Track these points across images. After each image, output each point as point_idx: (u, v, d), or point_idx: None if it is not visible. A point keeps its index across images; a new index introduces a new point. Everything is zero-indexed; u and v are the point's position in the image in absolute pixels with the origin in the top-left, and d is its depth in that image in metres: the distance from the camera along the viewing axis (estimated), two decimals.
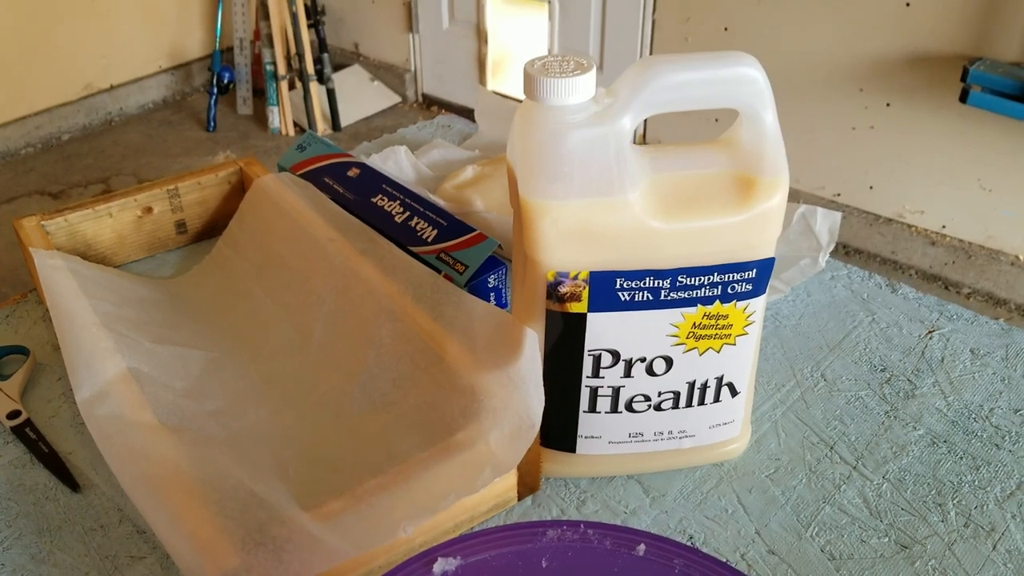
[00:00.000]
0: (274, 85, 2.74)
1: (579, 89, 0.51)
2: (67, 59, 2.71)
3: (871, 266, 2.09)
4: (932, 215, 2.00)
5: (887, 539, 0.59)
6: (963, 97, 1.76)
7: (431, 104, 2.96)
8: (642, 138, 2.44)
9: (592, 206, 0.53)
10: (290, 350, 0.71)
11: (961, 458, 0.65)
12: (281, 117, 2.78)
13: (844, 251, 2.12)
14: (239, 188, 0.89)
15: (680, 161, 0.56)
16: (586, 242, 0.54)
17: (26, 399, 0.70)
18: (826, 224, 0.83)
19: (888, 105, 1.97)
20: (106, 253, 0.83)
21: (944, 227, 1.99)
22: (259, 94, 2.89)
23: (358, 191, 0.85)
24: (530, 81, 0.51)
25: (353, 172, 0.88)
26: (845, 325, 0.78)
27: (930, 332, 0.77)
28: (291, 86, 2.79)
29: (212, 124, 2.82)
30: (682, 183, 0.55)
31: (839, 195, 2.11)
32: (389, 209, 0.83)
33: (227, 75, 2.85)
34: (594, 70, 0.52)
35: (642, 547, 0.42)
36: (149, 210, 0.85)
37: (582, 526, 0.43)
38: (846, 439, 0.67)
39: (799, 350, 0.75)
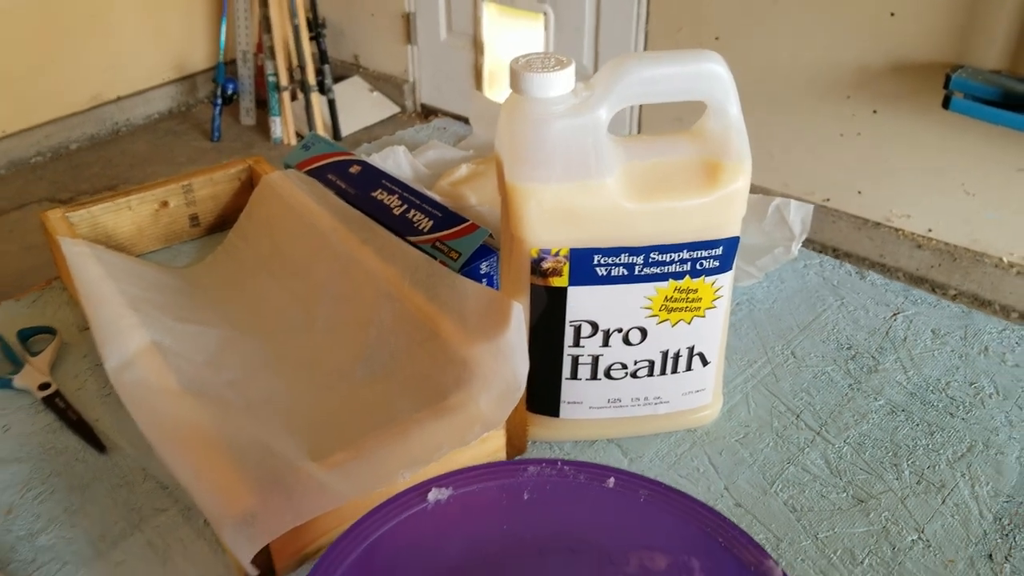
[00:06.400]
0: (276, 96, 2.81)
1: (559, 83, 0.57)
2: (76, 71, 2.78)
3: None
4: (918, 219, 2.06)
5: (845, 494, 0.64)
6: (946, 103, 1.82)
7: (429, 114, 3.02)
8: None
9: (572, 189, 0.59)
10: (298, 329, 0.77)
11: (917, 425, 0.70)
12: (283, 127, 2.84)
13: (834, 253, 2.18)
14: (248, 184, 0.95)
15: (652, 149, 0.62)
16: (566, 222, 0.60)
17: (55, 373, 0.76)
18: (799, 215, 0.89)
19: (875, 112, 2.03)
20: (125, 243, 0.89)
21: (930, 231, 2.05)
22: (262, 105, 2.95)
23: (359, 186, 0.91)
24: (515, 76, 0.57)
25: (355, 169, 0.94)
26: (815, 308, 0.84)
27: (895, 315, 0.83)
28: (293, 97, 2.86)
29: (216, 134, 2.88)
30: (654, 168, 0.61)
31: (828, 200, 2.17)
32: (388, 203, 0.88)
33: (231, 86, 2.91)
34: (573, 66, 0.58)
35: (612, 480, 0.48)
36: (165, 204, 0.91)
37: (559, 463, 0.49)
38: (811, 408, 0.72)
39: (771, 330, 0.81)
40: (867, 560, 0.59)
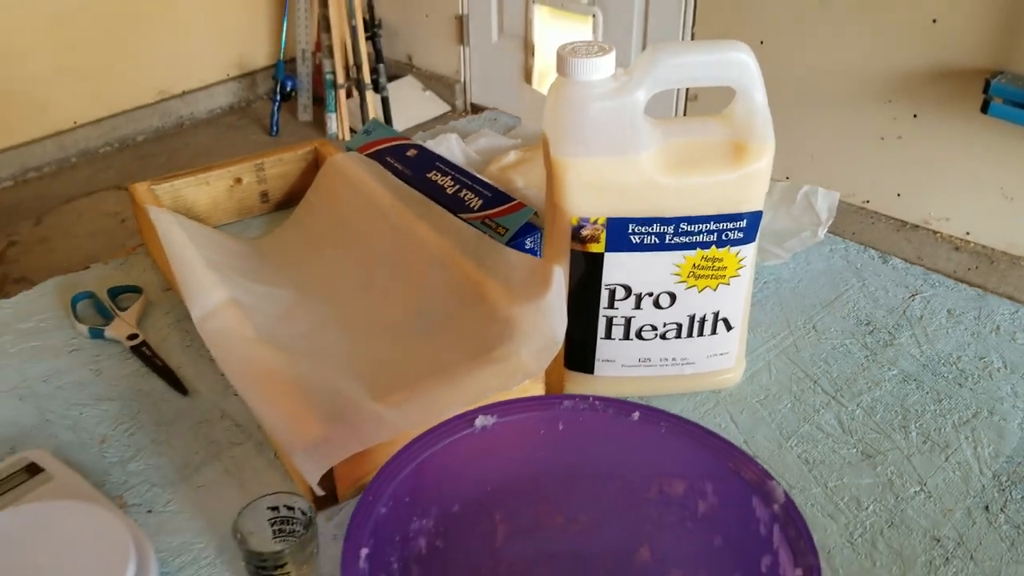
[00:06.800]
0: (333, 93, 2.91)
1: (601, 68, 0.64)
2: (144, 66, 2.91)
3: None
4: (957, 222, 2.09)
5: (855, 451, 0.70)
6: (985, 108, 1.85)
7: (479, 113, 3.09)
8: None
9: (610, 163, 0.65)
10: (358, 292, 0.85)
11: (927, 393, 0.76)
12: (339, 123, 2.94)
13: None
14: (314, 165, 1.03)
15: (685, 129, 0.68)
16: (604, 193, 0.66)
17: (141, 327, 0.84)
18: (826, 202, 0.95)
19: (915, 116, 2.06)
20: (202, 215, 0.97)
21: (968, 233, 2.08)
22: (318, 102, 3.05)
23: (415, 168, 0.99)
24: (561, 61, 0.64)
25: (411, 152, 1.01)
26: (838, 288, 0.90)
27: (913, 295, 0.88)
28: (348, 94, 2.95)
29: (275, 129, 2.99)
30: (686, 147, 0.67)
31: (868, 202, 2.21)
32: (441, 183, 0.96)
33: (290, 83, 3.02)
34: (614, 53, 0.65)
35: (636, 414, 0.54)
36: (239, 181, 0.99)
37: (591, 398, 0.55)
38: (828, 376, 0.78)
39: (795, 306, 0.87)
40: (872, 507, 0.65)
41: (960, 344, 0.82)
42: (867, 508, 0.65)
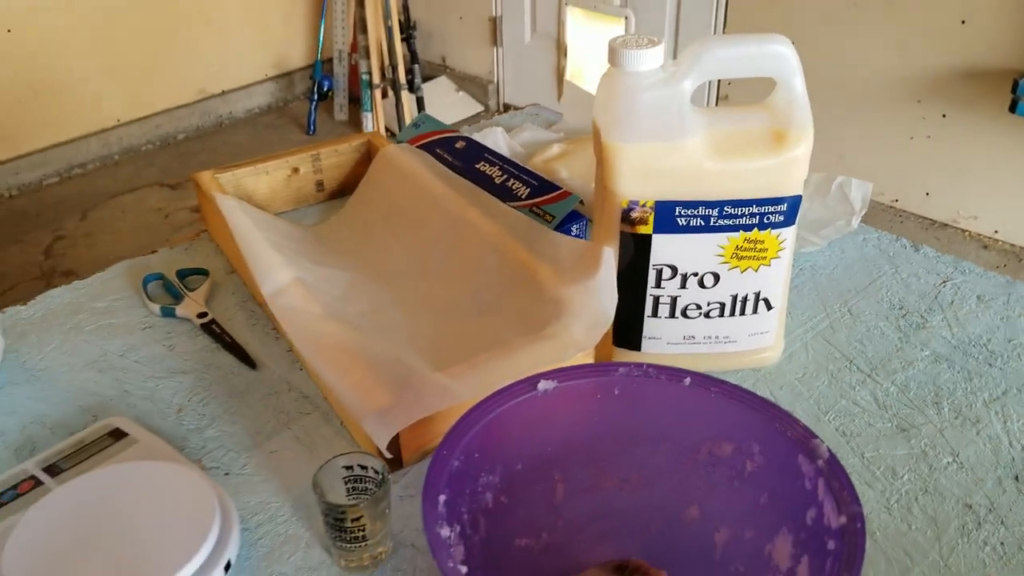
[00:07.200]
0: (369, 93, 2.96)
1: (650, 59, 0.68)
2: (184, 67, 2.98)
3: None
4: (985, 220, 2.11)
5: (890, 424, 0.74)
6: (1013, 108, 1.88)
7: (514, 111, 3.14)
8: None
9: (658, 149, 0.70)
10: (414, 275, 0.89)
11: (958, 372, 0.79)
12: (375, 122, 2.99)
13: None
14: (367, 156, 1.07)
15: (729, 117, 0.72)
16: (653, 177, 0.70)
17: (208, 306, 0.89)
18: (860, 192, 0.98)
19: (944, 116, 2.08)
20: (261, 203, 1.02)
21: (996, 232, 2.10)
22: (354, 101, 3.11)
23: (464, 159, 1.03)
24: (613, 52, 0.69)
25: (460, 144, 1.06)
26: (872, 274, 0.93)
27: (944, 282, 0.92)
28: (384, 94, 3.01)
29: (312, 128, 3.05)
30: (729, 134, 0.71)
31: (896, 201, 2.23)
32: (490, 173, 1.00)
33: (326, 83, 3.08)
34: (663, 45, 0.69)
35: (688, 380, 0.59)
36: (296, 171, 1.04)
37: (645, 366, 0.59)
38: (864, 356, 0.82)
39: (831, 292, 0.91)
40: (906, 476, 0.69)
41: (989, 327, 0.85)
42: (902, 477, 0.69)
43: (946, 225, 2.17)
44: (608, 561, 0.58)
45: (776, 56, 0.69)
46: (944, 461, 0.70)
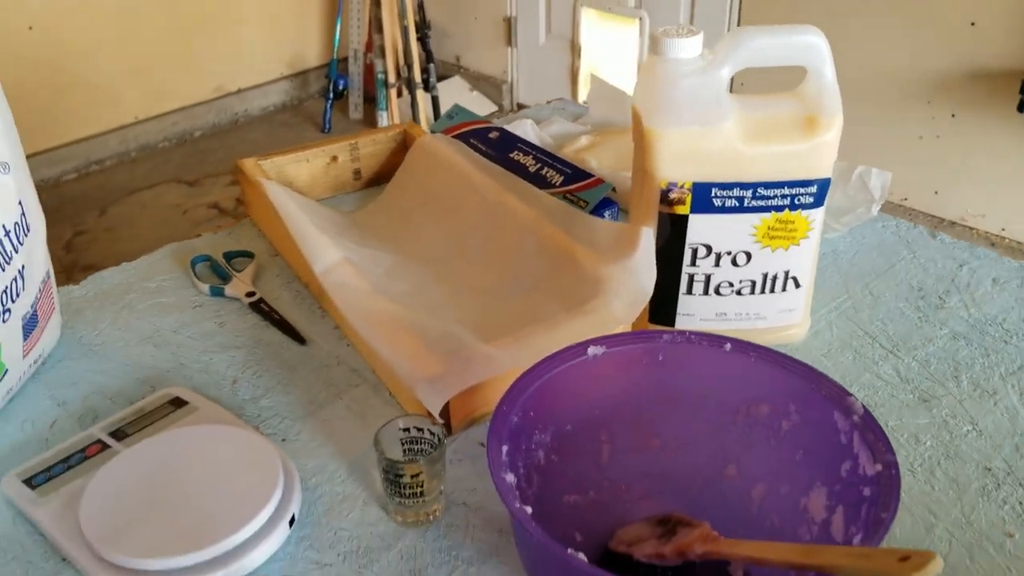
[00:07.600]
0: (384, 92, 3.01)
1: (690, 47, 0.72)
2: (201, 65, 3.03)
3: None
4: (992, 218, 2.15)
5: (912, 396, 0.78)
6: (1020, 107, 1.92)
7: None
8: None
9: (696, 133, 0.73)
10: (452, 258, 0.93)
11: (976, 348, 0.83)
12: (390, 121, 3.04)
13: None
14: (403, 145, 1.11)
15: (763, 103, 0.76)
16: (691, 160, 0.74)
17: (255, 286, 0.93)
18: (879, 181, 1.02)
19: (953, 116, 2.13)
20: (302, 190, 1.06)
21: (1003, 229, 2.14)
22: (369, 100, 3.16)
23: (498, 149, 1.07)
24: (655, 41, 0.72)
25: (494, 135, 1.10)
26: (891, 259, 0.97)
27: (961, 266, 0.96)
28: (399, 93, 3.05)
29: (327, 126, 3.10)
30: (763, 119, 0.75)
31: (906, 199, 2.27)
32: (524, 162, 1.04)
33: (341, 82, 3.13)
34: (701, 35, 0.73)
35: (728, 345, 0.62)
36: (335, 159, 1.08)
37: (687, 332, 0.63)
38: (885, 333, 0.86)
39: (852, 275, 0.94)
40: (929, 442, 0.73)
41: (1005, 307, 0.89)
42: (925, 443, 0.73)
43: (954, 223, 2.21)
44: (652, 516, 0.62)
45: (808, 46, 0.73)
46: (964, 429, 0.74)
